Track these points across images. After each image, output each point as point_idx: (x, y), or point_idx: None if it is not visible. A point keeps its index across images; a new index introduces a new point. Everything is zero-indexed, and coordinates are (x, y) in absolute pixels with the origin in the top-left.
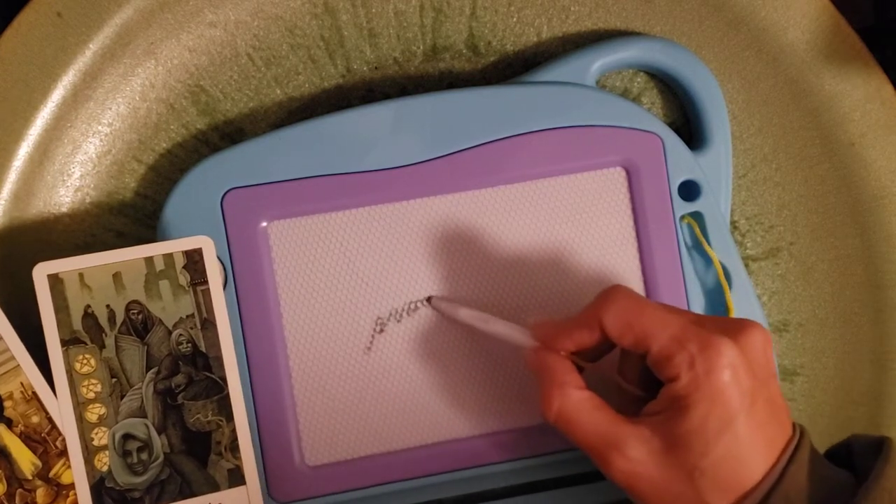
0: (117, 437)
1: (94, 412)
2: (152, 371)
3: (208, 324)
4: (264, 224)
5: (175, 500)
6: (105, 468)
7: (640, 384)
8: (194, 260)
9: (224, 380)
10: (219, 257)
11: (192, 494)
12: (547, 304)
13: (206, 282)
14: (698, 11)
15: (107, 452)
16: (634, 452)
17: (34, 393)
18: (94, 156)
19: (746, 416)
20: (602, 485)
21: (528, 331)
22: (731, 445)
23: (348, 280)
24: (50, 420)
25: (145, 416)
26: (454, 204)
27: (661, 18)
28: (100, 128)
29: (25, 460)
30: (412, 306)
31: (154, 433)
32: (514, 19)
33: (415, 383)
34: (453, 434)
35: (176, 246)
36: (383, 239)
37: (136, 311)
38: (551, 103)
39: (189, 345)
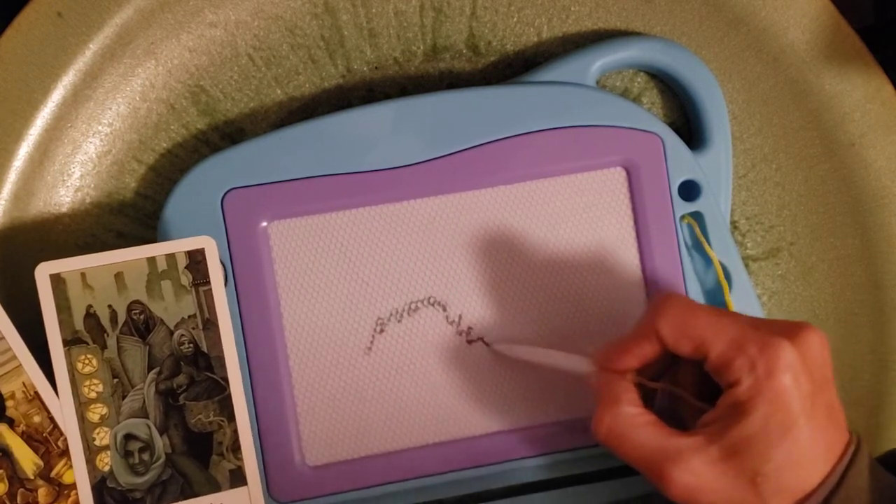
0: (119, 437)
1: (96, 412)
2: (154, 371)
3: (210, 324)
4: (264, 224)
5: (177, 501)
6: (107, 468)
7: (697, 395)
8: (196, 260)
9: (226, 380)
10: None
11: (194, 495)
12: (547, 304)
13: (208, 282)
14: (698, 11)
15: (108, 452)
16: (693, 463)
17: (36, 393)
18: (94, 156)
19: (807, 420)
20: (602, 485)
21: (587, 358)
22: (792, 449)
23: (348, 280)
24: (52, 420)
25: (147, 417)
26: (454, 204)
27: (661, 18)
28: (100, 128)
29: (27, 460)
30: (412, 306)
31: (156, 433)
32: (515, 19)
33: (415, 383)
34: (453, 434)
35: (178, 246)
36: (383, 239)
37: (137, 312)
38: (551, 103)
39: (191, 345)
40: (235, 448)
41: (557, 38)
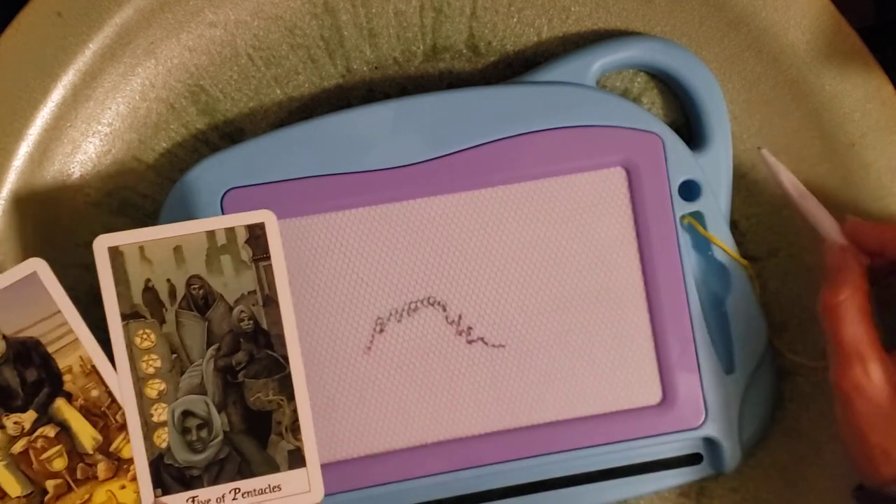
0: (177, 413)
1: (154, 388)
2: (213, 348)
3: (270, 301)
4: None
5: (234, 480)
6: (164, 444)
7: None
8: (256, 234)
9: (286, 358)
10: None
11: (252, 475)
12: (547, 304)
13: (268, 257)
14: (698, 11)
15: (166, 429)
16: (874, 373)
17: (93, 366)
18: (93, 155)
19: None
20: (602, 485)
21: (837, 224)
22: None
23: (348, 280)
24: (109, 394)
25: (205, 394)
26: (454, 204)
27: (661, 18)
28: (100, 127)
29: (86, 435)
30: (412, 306)
31: (214, 411)
32: (515, 19)
33: (414, 383)
34: (453, 434)
35: (238, 220)
36: (383, 239)
37: (196, 287)
38: (551, 103)
39: (251, 322)
40: (295, 429)
41: (557, 38)
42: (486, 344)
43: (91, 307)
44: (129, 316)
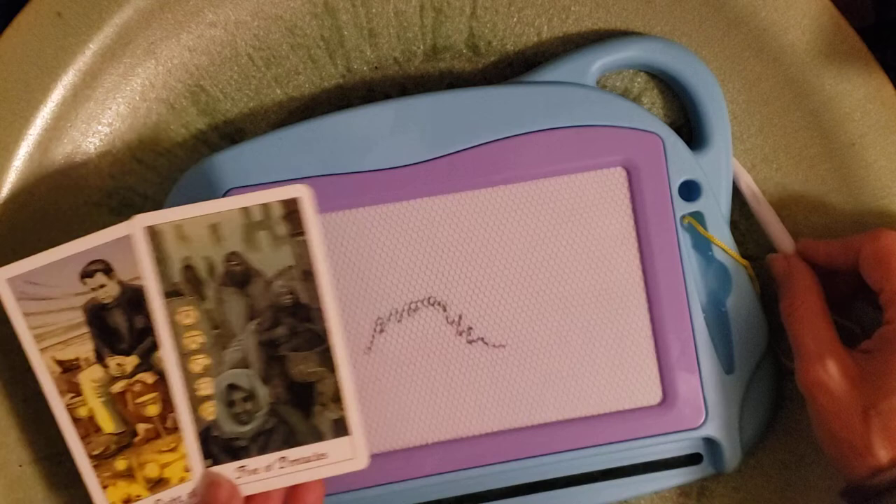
0: (222, 387)
1: (198, 363)
2: (254, 322)
3: (308, 275)
4: None
5: (280, 449)
6: (211, 417)
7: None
8: (292, 210)
9: (326, 332)
10: None
11: (298, 444)
12: (547, 304)
13: (305, 232)
14: (698, 11)
15: (212, 402)
16: (832, 369)
17: None
18: (93, 156)
19: None
20: (602, 485)
21: (789, 236)
22: None
23: (348, 280)
24: None
25: (248, 367)
26: (454, 204)
27: (661, 18)
28: (100, 127)
29: None
30: (412, 306)
31: (258, 383)
32: (515, 19)
33: (415, 383)
34: (453, 434)
35: (272, 195)
36: (383, 239)
37: (235, 262)
38: (551, 103)
39: (290, 296)
40: (337, 399)
41: (557, 38)
42: (486, 344)
43: None
44: (169, 294)
